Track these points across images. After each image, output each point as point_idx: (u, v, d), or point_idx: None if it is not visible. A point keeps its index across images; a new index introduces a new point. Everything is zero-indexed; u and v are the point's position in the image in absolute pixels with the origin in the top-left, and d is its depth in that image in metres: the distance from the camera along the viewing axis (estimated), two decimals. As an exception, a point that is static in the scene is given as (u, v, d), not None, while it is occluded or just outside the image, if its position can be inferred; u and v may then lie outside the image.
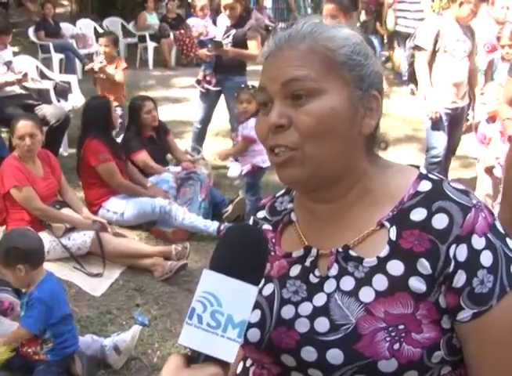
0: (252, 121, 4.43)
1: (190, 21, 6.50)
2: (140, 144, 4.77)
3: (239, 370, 1.06)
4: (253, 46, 5.28)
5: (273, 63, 0.94)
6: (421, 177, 0.97)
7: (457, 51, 4.47)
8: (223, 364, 0.80)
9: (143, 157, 4.75)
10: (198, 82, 5.64)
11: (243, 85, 4.69)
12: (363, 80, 0.93)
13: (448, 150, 4.75)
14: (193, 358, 0.81)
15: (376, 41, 9.86)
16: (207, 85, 5.54)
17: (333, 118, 0.91)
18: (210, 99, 5.62)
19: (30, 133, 3.75)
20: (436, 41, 4.46)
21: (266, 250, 0.89)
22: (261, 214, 1.11)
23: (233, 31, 5.31)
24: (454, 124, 4.65)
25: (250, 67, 5.57)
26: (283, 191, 1.12)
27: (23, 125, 3.77)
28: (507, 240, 0.91)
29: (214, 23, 5.62)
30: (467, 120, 5.03)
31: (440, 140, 4.62)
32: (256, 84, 1.06)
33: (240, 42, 5.30)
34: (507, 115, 3.71)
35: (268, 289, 0.99)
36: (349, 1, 4.23)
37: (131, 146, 4.72)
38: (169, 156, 5.26)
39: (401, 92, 8.32)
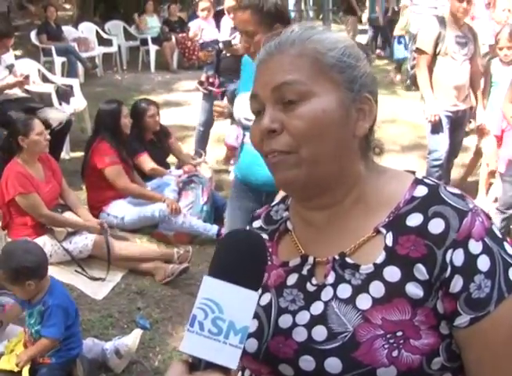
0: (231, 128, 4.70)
1: (192, 23, 6.50)
2: (141, 147, 4.77)
3: None
4: None
5: (264, 70, 0.95)
6: (417, 182, 0.96)
7: (458, 54, 4.45)
8: (225, 371, 0.79)
9: (144, 159, 4.76)
10: (201, 84, 5.63)
11: None
12: (354, 82, 0.93)
13: (450, 153, 4.74)
14: (195, 365, 0.80)
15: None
16: (209, 87, 5.55)
17: (325, 121, 0.90)
18: (212, 101, 5.61)
19: (43, 129, 3.97)
20: (437, 44, 4.45)
21: (264, 254, 0.88)
22: (257, 223, 1.10)
23: (237, 33, 5.33)
24: (456, 126, 4.63)
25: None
26: (278, 200, 1.11)
27: (38, 123, 3.96)
28: (504, 244, 0.90)
29: (218, 24, 5.64)
30: (470, 122, 5.02)
31: (441, 143, 4.61)
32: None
33: None
34: None
35: (266, 299, 0.99)
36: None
37: (132, 148, 4.72)
38: (170, 159, 5.26)
39: (410, 97, 8.28)
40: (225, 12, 5.40)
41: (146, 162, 4.77)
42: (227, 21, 5.50)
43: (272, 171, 0.94)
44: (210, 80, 5.53)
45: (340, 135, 0.92)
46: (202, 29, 5.75)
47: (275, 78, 0.92)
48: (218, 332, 0.79)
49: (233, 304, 0.80)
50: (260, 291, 0.98)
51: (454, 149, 4.78)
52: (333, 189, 0.95)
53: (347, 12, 12.14)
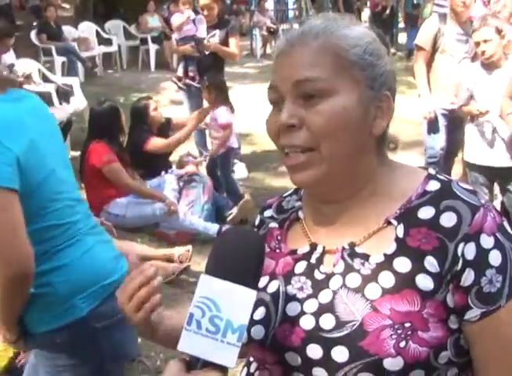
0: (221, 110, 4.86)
1: (175, 18, 6.31)
2: (147, 133, 4.70)
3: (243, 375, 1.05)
4: (233, 44, 5.32)
5: (285, 62, 0.94)
6: (430, 177, 0.97)
7: (457, 51, 4.38)
8: (222, 369, 0.80)
9: (155, 140, 4.67)
10: (179, 79, 5.53)
11: None
12: (375, 80, 0.93)
13: (450, 152, 4.67)
14: (193, 364, 0.80)
15: None
16: (189, 81, 5.45)
17: (345, 118, 0.91)
18: (195, 97, 5.47)
19: None
20: (436, 41, 4.40)
21: (262, 253, 0.88)
22: (268, 213, 1.10)
23: (217, 31, 5.32)
24: (454, 125, 4.51)
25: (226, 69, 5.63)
26: (290, 191, 1.11)
27: None
28: None
29: (194, 22, 5.59)
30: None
31: (436, 140, 4.55)
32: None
33: (224, 43, 5.34)
34: (510, 110, 3.67)
35: (273, 286, 0.98)
36: None
37: (141, 138, 4.65)
38: (171, 158, 5.25)
39: (413, 94, 8.21)
40: (199, 10, 5.36)
41: (158, 142, 4.69)
42: (202, 20, 5.46)
43: (288, 170, 0.94)
44: (192, 74, 5.46)
45: (358, 133, 0.92)
46: (189, 18, 5.60)
47: (297, 72, 0.91)
48: (216, 331, 0.79)
49: (231, 302, 0.80)
50: (265, 281, 0.98)
51: (454, 147, 4.67)
52: (349, 184, 0.96)
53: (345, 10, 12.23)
